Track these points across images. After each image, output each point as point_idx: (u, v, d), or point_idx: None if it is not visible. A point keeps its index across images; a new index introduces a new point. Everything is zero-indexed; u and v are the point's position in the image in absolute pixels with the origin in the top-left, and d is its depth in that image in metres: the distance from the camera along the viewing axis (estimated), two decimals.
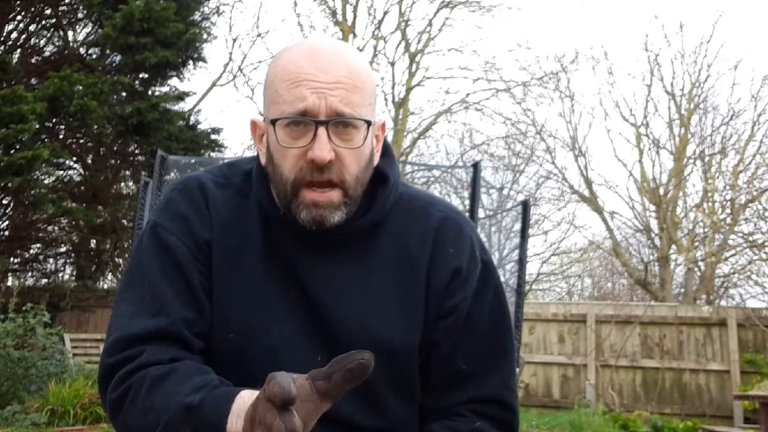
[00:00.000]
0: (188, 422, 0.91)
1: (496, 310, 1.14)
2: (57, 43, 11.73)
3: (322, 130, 0.99)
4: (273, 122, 1.02)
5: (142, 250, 1.09)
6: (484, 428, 1.09)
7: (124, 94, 10.43)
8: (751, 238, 12.81)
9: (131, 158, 11.23)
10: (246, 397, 0.89)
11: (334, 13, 15.91)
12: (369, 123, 1.04)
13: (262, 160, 1.09)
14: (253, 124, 1.12)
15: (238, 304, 1.06)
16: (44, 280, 11.32)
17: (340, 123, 1.00)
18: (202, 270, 1.07)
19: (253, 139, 1.13)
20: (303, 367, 0.93)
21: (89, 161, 11.55)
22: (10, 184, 8.60)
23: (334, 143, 1.00)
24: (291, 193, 1.03)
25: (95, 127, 9.72)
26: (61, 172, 10.96)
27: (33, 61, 11.28)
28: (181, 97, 11.01)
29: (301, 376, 0.81)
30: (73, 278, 11.45)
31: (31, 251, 11.17)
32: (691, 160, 14.94)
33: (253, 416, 0.81)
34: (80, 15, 11.31)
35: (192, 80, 28.65)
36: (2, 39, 10.70)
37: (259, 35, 16.44)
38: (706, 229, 13.64)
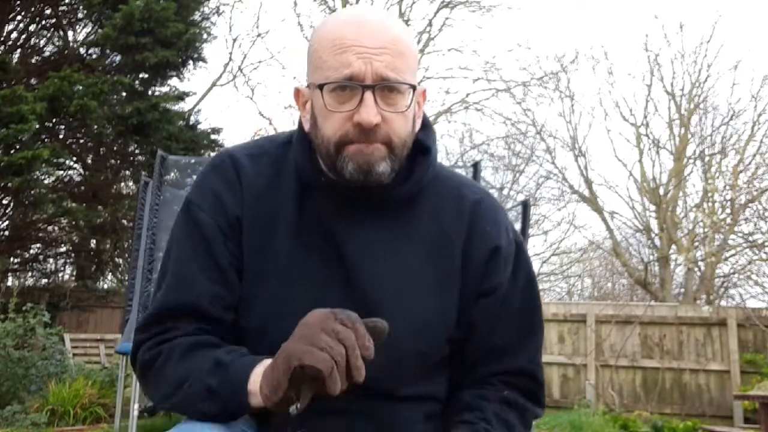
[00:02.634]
0: (214, 374, 0.99)
1: (528, 290, 1.18)
2: (57, 43, 11.72)
3: (368, 95, 1.01)
4: (320, 87, 1.03)
5: (179, 226, 1.14)
6: (512, 397, 1.14)
7: (124, 94, 10.43)
8: (751, 238, 12.82)
9: (131, 158, 11.22)
10: (263, 366, 0.97)
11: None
12: (414, 87, 1.06)
13: (306, 126, 1.11)
14: (297, 92, 1.14)
15: (270, 276, 1.08)
16: (44, 280, 11.32)
17: (385, 87, 1.02)
18: (233, 246, 1.09)
19: (297, 106, 1.15)
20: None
21: (89, 161, 11.55)
22: (10, 184, 8.60)
23: (380, 107, 1.02)
24: (335, 151, 1.04)
25: (95, 127, 9.71)
26: (61, 172, 10.95)
27: (33, 61, 11.28)
28: (181, 97, 11.00)
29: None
30: (73, 278, 11.46)
31: (31, 251, 11.16)
32: (691, 160, 14.94)
33: (301, 331, 0.92)
34: (80, 15, 11.31)
35: (192, 80, 28.68)
36: (2, 39, 10.70)
37: (259, 35, 16.39)
38: (706, 229, 13.64)
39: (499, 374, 1.15)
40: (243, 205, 1.10)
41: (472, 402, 1.13)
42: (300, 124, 1.14)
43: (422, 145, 1.13)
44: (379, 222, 1.10)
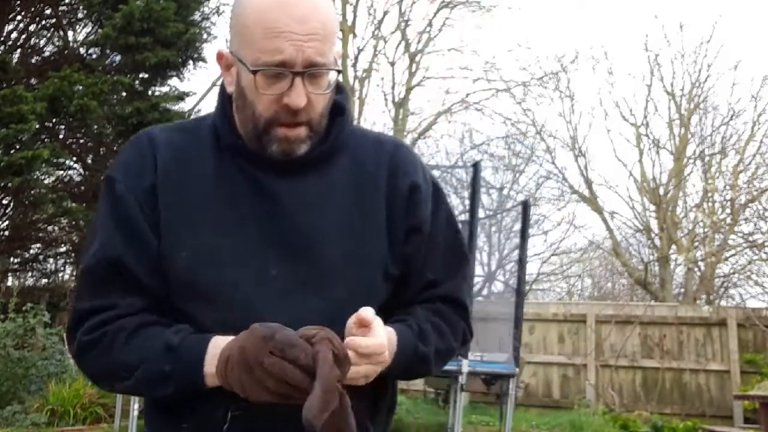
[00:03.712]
0: (168, 360, 1.04)
1: (450, 225, 1.27)
2: (57, 43, 11.72)
3: (298, 80, 1.08)
4: (254, 72, 1.09)
5: (100, 202, 1.18)
6: (442, 308, 1.23)
7: (124, 94, 10.42)
8: (751, 238, 12.82)
9: None
10: (220, 342, 1.02)
11: None
12: (339, 72, 1.15)
13: (229, 89, 1.16)
14: (221, 55, 1.18)
15: (189, 229, 1.13)
16: (44, 280, 11.31)
17: (313, 73, 1.09)
18: (149, 210, 1.13)
19: (219, 67, 1.19)
20: (256, 276, 1.10)
21: (89, 161, 11.54)
22: (10, 184, 8.60)
23: (308, 89, 1.09)
24: (263, 130, 1.11)
25: (95, 127, 9.71)
26: (61, 172, 10.95)
27: (33, 61, 11.28)
28: (181, 97, 11.00)
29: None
30: (73, 278, 11.45)
31: (31, 251, 11.16)
32: (691, 160, 14.95)
33: (240, 357, 0.95)
34: (80, 15, 11.31)
35: (192, 80, 28.66)
36: (2, 39, 10.70)
37: None
38: (706, 229, 13.65)
39: (428, 300, 1.23)
40: (157, 171, 1.14)
41: (402, 312, 1.20)
42: (222, 90, 1.20)
43: (337, 106, 1.19)
44: (301, 176, 1.16)
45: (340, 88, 1.22)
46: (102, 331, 1.09)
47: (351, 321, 1.04)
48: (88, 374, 1.17)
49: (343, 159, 1.20)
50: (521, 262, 7.11)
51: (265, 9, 1.09)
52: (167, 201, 1.13)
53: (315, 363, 0.91)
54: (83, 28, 11.75)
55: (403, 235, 1.19)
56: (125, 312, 1.10)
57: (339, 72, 1.16)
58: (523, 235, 7.28)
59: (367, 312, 1.04)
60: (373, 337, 1.03)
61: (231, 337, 1.00)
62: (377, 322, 1.05)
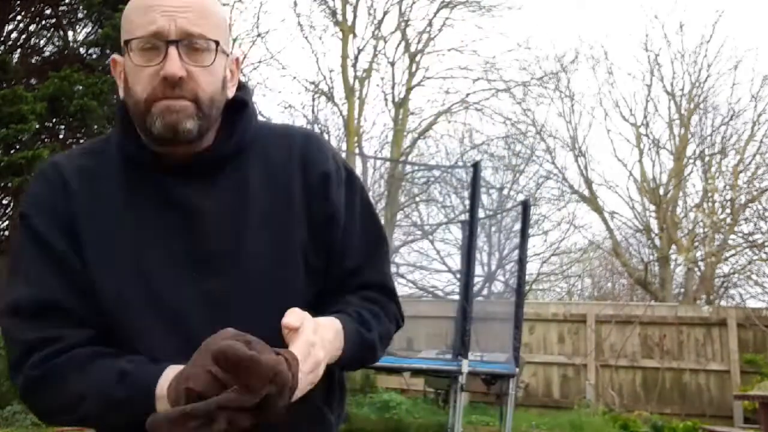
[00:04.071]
0: (122, 386, 0.99)
1: (366, 209, 1.25)
2: (57, 43, 11.72)
3: (172, 49, 1.04)
4: (126, 44, 1.06)
5: (18, 242, 1.13)
6: (370, 295, 1.22)
7: None
8: (751, 238, 12.82)
9: None
10: (171, 371, 0.95)
11: (334, 13, 15.91)
12: (217, 43, 1.09)
13: (122, 94, 1.13)
14: (114, 62, 1.16)
15: (115, 259, 1.09)
16: None
17: (190, 44, 1.06)
18: (71, 242, 1.09)
19: (114, 76, 1.16)
20: (181, 294, 1.06)
21: None
22: (10, 184, 8.60)
23: (186, 62, 1.05)
24: (145, 109, 1.06)
25: (95, 127, 9.71)
26: None
27: (33, 61, 11.28)
28: None
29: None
30: None
31: None
32: (691, 160, 14.95)
33: (188, 377, 0.87)
34: (80, 15, 11.31)
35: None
36: (2, 39, 10.70)
37: (259, 35, 16.40)
38: (706, 229, 13.65)
39: (354, 289, 1.21)
40: (71, 202, 1.11)
41: (335, 303, 1.17)
42: (118, 101, 1.17)
43: (239, 101, 1.17)
44: (213, 183, 1.13)
45: (241, 86, 1.20)
46: (52, 363, 1.03)
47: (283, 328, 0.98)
48: (37, 411, 1.09)
49: (252, 156, 1.17)
50: (521, 262, 7.11)
51: None
52: (87, 231, 1.10)
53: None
54: (83, 28, 11.74)
55: (321, 226, 1.18)
56: (75, 342, 1.05)
57: (227, 55, 1.13)
58: (523, 235, 7.28)
59: (291, 317, 0.98)
60: (299, 342, 0.96)
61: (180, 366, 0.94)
62: (305, 323, 0.99)
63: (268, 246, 1.12)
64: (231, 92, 1.17)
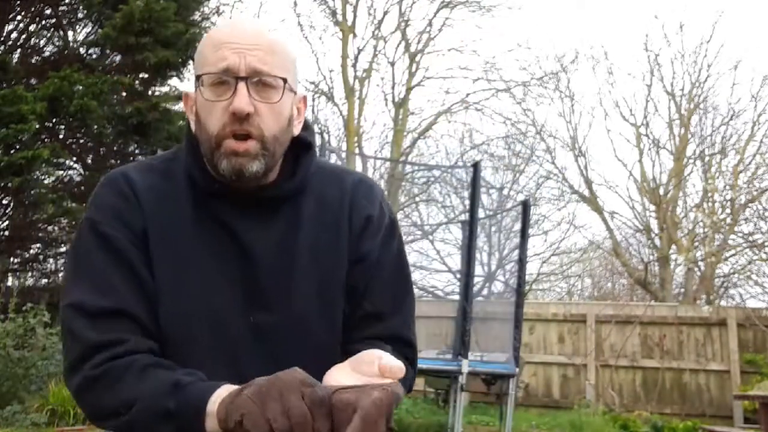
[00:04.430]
0: (173, 396, 0.99)
1: (400, 259, 1.28)
2: (57, 43, 11.72)
3: (241, 85, 1.08)
4: (198, 78, 1.11)
5: (83, 246, 1.14)
6: (380, 345, 1.18)
7: (124, 94, 10.42)
8: (751, 238, 12.81)
9: (131, 158, 11.21)
10: (227, 389, 0.96)
11: (334, 13, 15.91)
12: (285, 80, 1.12)
13: (193, 128, 1.17)
14: (186, 96, 1.20)
15: (180, 279, 1.12)
16: (44, 280, 11.30)
17: (258, 80, 1.10)
18: (142, 254, 1.12)
19: (185, 110, 1.21)
20: (233, 322, 1.11)
21: (89, 161, 11.54)
22: (10, 184, 8.60)
23: (254, 98, 1.09)
24: (215, 145, 1.10)
25: (95, 127, 9.71)
26: (61, 172, 10.94)
27: (33, 61, 11.28)
28: (181, 97, 10.99)
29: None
30: None
31: (31, 251, 11.15)
32: (691, 160, 14.95)
33: (266, 382, 0.88)
34: (80, 15, 11.31)
35: (192, 80, 28.66)
36: (2, 39, 10.70)
37: None
38: (706, 229, 13.65)
39: (372, 339, 1.19)
40: (143, 214, 1.14)
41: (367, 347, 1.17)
42: (188, 132, 1.20)
43: (304, 142, 1.21)
44: (272, 217, 1.17)
45: (306, 127, 1.23)
46: (110, 365, 1.05)
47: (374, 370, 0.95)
48: (89, 410, 1.09)
49: (308, 195, 1.21)
50: (521, 262, 7.10)
51: (215, 31, 1.16)
52: (157, 247, 1.13)
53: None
54: (83, 28, 11.74)
55: (349, 267, 1.21)
56: (136, 348, 1.07)
57: (294, 93, 1.16)
58: (523, 235, 7.28)
59: (392, 361, 0.96)
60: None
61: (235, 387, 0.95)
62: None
63: (315, 285, 1.17)
64: (297, 130, 1.20)
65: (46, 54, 11.61)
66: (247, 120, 1.08)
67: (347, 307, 1.21)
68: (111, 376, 1.04)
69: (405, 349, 1.23)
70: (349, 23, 15.68)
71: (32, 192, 9.24)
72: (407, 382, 1.22)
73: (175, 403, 0.98)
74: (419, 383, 9.45)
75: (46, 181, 9.90)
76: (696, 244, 13.87)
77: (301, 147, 1.21)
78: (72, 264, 1.15)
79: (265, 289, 1.14)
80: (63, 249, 11.52)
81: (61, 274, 11.85)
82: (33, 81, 10.60)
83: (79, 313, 1.08)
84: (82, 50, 11.18)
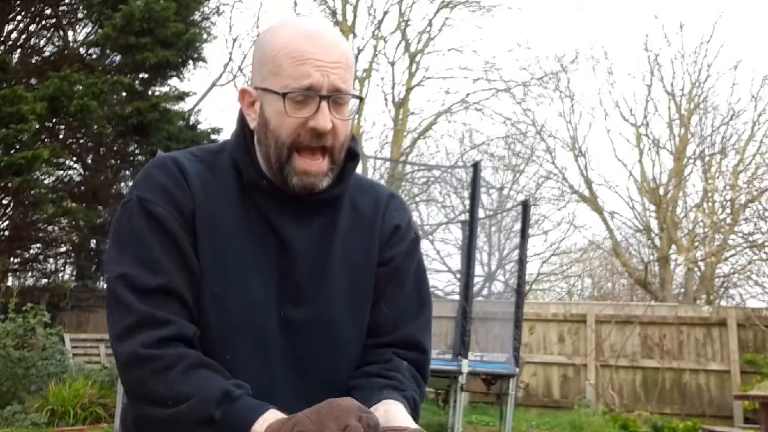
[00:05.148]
0: (221, 406, 1.00)
1: (420, 270, 1.34)
2: (57, 43, 11.73)
3: (324, 104, 1.13)
4: (283, 95, 1.14)
5: (132, 222, 1.15)
6: (397, 364, 1.24)
7: (124, 94, 10.43)
8: (751, 238, 12.81)
9: (131, 158, 11.23)
10: (274, 414, 0.99)
11: (334, 13, 15.92)
12: (361, 99, 1.21)
13: (252, 125, 1.21)
14: (244, 92, 1.23)
15: (221, 265, 1.16)
16: (44, 280, 11.31)
17: (337, 98, 1.15)
18: (189, 237, 1.15)
19: (241, 105, 1.23)
20: (267, 314, 1.16)
21: (89, 161, 11.55)
22: (10, 184, 8.60)
23: (332, 114, 1.15)
24: (286, 156, 1.15)
25: (95, 127, 9.72)
26: (61, 172, 10.96)
27: (33, 61, 11.29)
28: (181, 97, 11.00)
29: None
30: (73, 278, 11.45)
31: (31, 251, 11.16)
32: (691, 160, 14.94)
33: (327, 405, 0.92)
34: (80, 15, 11.32)
35: (192, 80, 28.65)
36: (2, 39, 10.71)
37: (259, 35, 16.39)
38: (706, 229, 13.65)
39: (390, 345, 1.26)
40: (193, 199, 1.17)
41: (384, 366, 1.23)
42: (242, 125, 1.23)
43: (352, 152, 1.25)
44: (311, 217, 1.22)
45: (353, 136, 1.27)
46: (162, 351, 1.06)
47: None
48: (133, 386, 1.10)
49: (345, 202, 1.27)
50: (521, 262, 7.10)
51: (292, 41, 1.16)
52: (203, 232, 1.16)
53: None
54: (83, 28, 11.76)
55: (377, 269, 1.27)
56: (184, 335, 1.09)
57: (360, 99, 1.22)
58: (523, 235, 7.28)
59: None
60: None
61: (283, 415, 0.98)
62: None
63: (345, 289, 1.22)
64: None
65: (46, 54, 11.62)
66: (323, 135, 1.14)
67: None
68: (163, 364, 1.05)
69: (419, 355, 1.28)
70: (349, 23, 15.68)
71: (32, 192, 9.25)
72: (422, 390, 1.28)
73: (222, 413, 1.00)
74: None
75: (46, 181, 9.91)
76: (696, 244, 13.87)
77: (349, 157, 1.25)
78: (118, 238, 1.16)
79: (299, 285, 1.19)
80: (63, 249, 11.53)
81: (60, 274, 11.86)
82: (33, 81, 10.62)
83: (129, 285, 1.10)
84: (82, 50, 11.19)
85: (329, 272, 1.21)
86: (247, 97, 1.21)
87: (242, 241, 1.18)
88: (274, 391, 1.12)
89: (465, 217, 8.90)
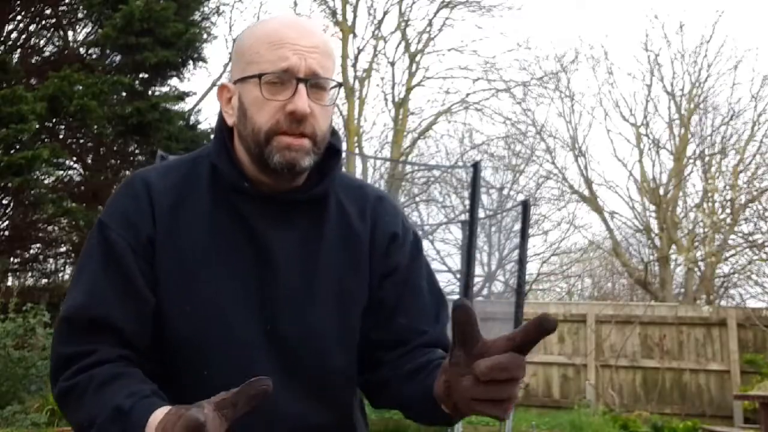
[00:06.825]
0: (116, 424, 0.98)
1: (429, 272, 1.31)
2: (57, 43, 11.72)
3: (302, 87, 1.11)
4: (259, 77, 1.11)
5: (91, 246, 1.16)
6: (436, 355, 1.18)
7: (124, 94, 10.42)
8: (751, 238, 12.81)
9: (131, 158, 11.22)
10: (159, 414, 0.93)
11: (334, 13, 15.92)
12: (340, 84, 1.18)
13: (230, 121, 1.18)
14: (223, 88, 1.21)
15: (191, 284, 1.13)
16: (44, 280, 11.31)
17: (315, 83, 1.12)
18: (144, 264, 1.13)
19: (219, 101, 1.21)
20: (248, 330, 1.11)
21: (89, 161, 11.54)
22: (10, 184, 8.60)
23: (310, 99, 1.12)
24: (264, 141, 1.12)
25: (95, 127, 9.71)
26: (61, 172, 10.94)
27: (33, 61, 11.28)
28: (181, 97, 11.00)
29: (209, 405, 0.84)
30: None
31: (31, 251, 11.15)
32: (691, 160, 14.94)
33: None
34: (80, 15, 11.31)
35: (192, 80, 28.71)
36: (2, 39, 10.71)
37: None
38: (706, 229, 13.64)
39: (421, 345, 1.21)
40: (155, 222, 1.14)
41: (425, 354, 1.18)
42: (220, 126, 1.21)
43: (333, 148, 1.22)
44: (294, 221, 1.19)
45: (333, 132, 1.24)
46: (76, 380, 1.06)
47: None
48: (68, 421, 1.11)
49: (329, 203, 1.22)
50: (521, 262, 7.10)
51: (270, 28, 1.15)
52: (166, 253, 1.13)
53: None
54: (83, 28, 11.75)
55: (377, 282, 1.22)
56: (103, 359, 1.07)
57: (340, 85, 1.19)
58: (523, 235, 7.27)
59: None
60: None
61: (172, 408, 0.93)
62: None
63: (332, 296, 1.18)
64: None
65: (46, 54, 11.61)
66: (302, 120, 1.11)
67: (372, 321, 1.22)
68: (77, 392, 1.05)
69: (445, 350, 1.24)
70: (349, 23, 15.68)
71: (32, 192, 9.24)
72: None
73: (121, 430, 0.97)
74: None
75: (46, 181, 9.91)
76: (696, 244, 13.86)
77: (330, 153, 1.22)
78: (79, 261, 1.17)
79: (281, 297, 1.15)
80: (63, 249, 11.52)
81: (60, 274, 11.86)
82: (33, 81, 10.61)
83: (64, 322, 1.10)
84: (82, 50, 11.19)
85: (314, 282, 1.17)
86: (225, 93, 1.20)
87: (216, 254, 1.14)
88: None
89: (465, 217, 8.89)
